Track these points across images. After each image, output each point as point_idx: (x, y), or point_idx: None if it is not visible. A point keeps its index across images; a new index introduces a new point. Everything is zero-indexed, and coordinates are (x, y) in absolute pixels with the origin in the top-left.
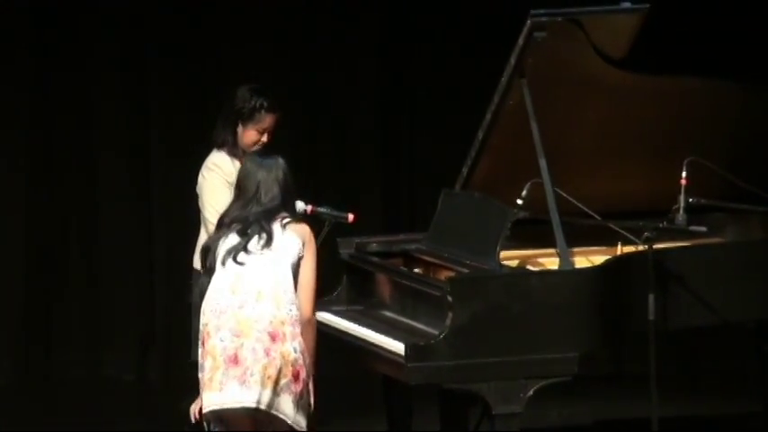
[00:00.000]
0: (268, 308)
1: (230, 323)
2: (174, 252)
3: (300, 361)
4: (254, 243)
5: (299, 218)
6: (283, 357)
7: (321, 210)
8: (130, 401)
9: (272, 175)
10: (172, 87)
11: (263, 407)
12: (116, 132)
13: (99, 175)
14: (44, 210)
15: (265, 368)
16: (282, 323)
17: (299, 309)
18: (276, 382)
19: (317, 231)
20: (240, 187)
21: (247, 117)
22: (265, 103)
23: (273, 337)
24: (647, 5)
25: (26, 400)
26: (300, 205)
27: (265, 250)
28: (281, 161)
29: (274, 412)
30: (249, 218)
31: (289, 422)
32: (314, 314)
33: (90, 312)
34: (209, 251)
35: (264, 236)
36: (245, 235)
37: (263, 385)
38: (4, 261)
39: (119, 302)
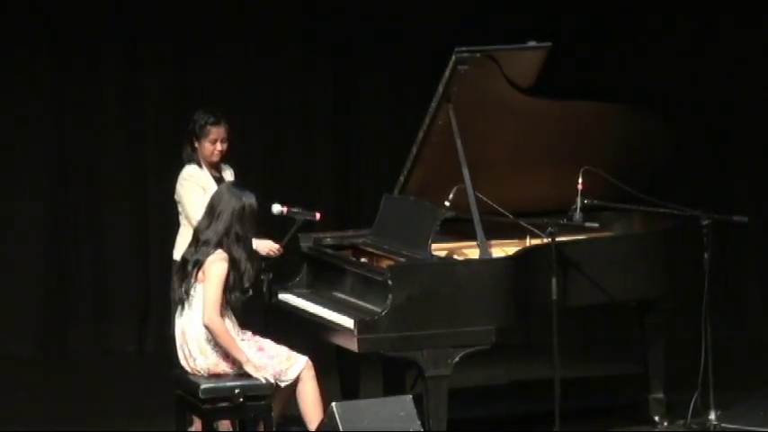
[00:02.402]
0: (201, 360)
1: (188, 368)
2: (166, 243)
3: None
4: (185, 291)
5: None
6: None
7: (294, 210)
8: (131, 369)
9: (232, 203)
10: (164, 109)
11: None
12: (118, 142)
13: (103, 178)
14: (60, 209)
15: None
16: (216, 365)
17: (231, 325)
18: None
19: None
20: (209, 204)
21: (199, 133)
22: (211, 119)
23: (218, 376)
24: (549, 44)
25: (45, 369)
26: (278, 207)
27: (189, 301)
28: (246, 197)
29: None
30: (189, 262)
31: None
32: (209, 321)
33: (97, 295)
34: (185, 263)
35: (185, 292)
36: (184, 273)
37: None
38: (26, 253)
39: (120, 286)
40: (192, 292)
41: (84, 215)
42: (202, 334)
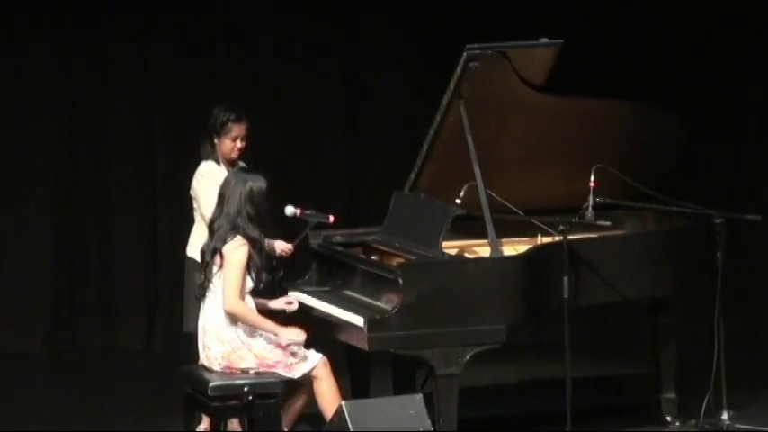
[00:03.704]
0: (216, 347)
1: (205, 361)
2: (175, 242)
3: (265, 363)
4: (206, 283)
5: (244, 230)
6: (245, 372)
7: (308, 212)
8: (139, 367)
9: (239, 187)
10: (173, 104)
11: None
12: (126, 145)
13: (113, 177)
14: (69, 208)
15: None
16: (231, 353)
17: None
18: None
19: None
20: (219, 194)
21: (219, 130)
22: (232, 116)
23: (229, 367)
24: (561, 41)
25: (54, 367)
26: (291, 209)
27: (210, 292)
28: (253, 180)
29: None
30: (206, 252)
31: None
32: (230, 307)
33: (106, 293)
34: (204, 255)
35: (205, 279)
36: (204, 264)
37: None
38: (36, 252)
39: (129, 285)
40: (213, 281)
41: (93, 212)
42: (222, 321)
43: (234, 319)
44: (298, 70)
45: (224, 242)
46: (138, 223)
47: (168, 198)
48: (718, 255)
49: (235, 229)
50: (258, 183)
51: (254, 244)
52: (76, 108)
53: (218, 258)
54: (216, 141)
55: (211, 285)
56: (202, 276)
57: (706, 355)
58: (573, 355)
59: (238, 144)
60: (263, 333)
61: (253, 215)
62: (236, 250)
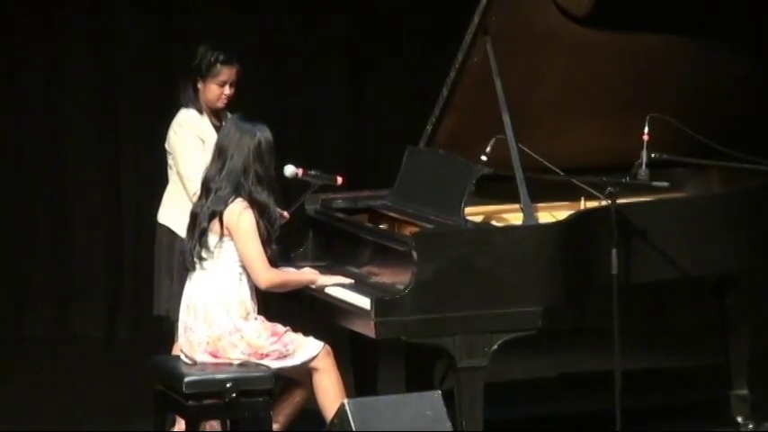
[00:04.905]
0: (202, 329)
1: (186, 345)
2: (143, 207)
3: (258, 353)
4: (197, 252)
5: (249, 193)
6: (233, 365)
7: (311, 173)
8: (100, 358)
9: (246, 140)
10: (140, 46)
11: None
12: (84, 90)
13: (67, 134)
14: (12, 170)
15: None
16: (219, 339)
17: (249, 294)
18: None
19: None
20: (217, 147)
21: (206, 72)
22: (221, 57)
23: (214, 355)
24: None
25: None
26: (291, 169)
27: (202, 262)
28: (259, 130)
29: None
30: (200, 215)
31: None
32: (268, 281)
33: (59, 270)
34: (196, 218)
35: (199, 247)
36: (194, 232)
37: None
38: None
39: (88, 260)
40: (212, 251)
41: (43, 173)
42: (214, 298)
43: (230, 302)
44: (292, 7)
45: (225, 205)
46: (97, 185)
47: (134, 154)
48: None
49: (237, 191)
50: (266, 134)
51: (261, 210)
52: (22, 60)
53: (216, 224)
54: (200, 86)
55: (207, 255)
56: (195, 243)
57: None
58: (623, 344)
59: (226, 90)
60: (258, 317)
61: (262, 175)
62: (241, 217)
